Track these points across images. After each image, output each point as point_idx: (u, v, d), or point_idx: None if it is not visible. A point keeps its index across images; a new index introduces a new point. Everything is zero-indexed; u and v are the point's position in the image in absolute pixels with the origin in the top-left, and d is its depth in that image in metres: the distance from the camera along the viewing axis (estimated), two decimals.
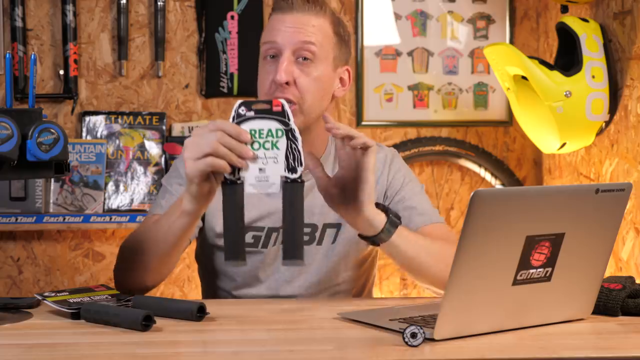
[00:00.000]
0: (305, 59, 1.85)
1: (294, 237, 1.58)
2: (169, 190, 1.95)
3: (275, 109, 1.57)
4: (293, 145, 1.57)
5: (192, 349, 1.44)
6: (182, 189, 1.90)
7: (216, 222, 1.94)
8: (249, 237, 1.93)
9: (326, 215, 1.93)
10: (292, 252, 1.59)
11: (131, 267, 1.82)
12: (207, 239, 1.97)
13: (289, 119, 1.57)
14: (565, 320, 1.62)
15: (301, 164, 1.57)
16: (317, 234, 1.95)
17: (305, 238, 1.93)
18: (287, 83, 1.83)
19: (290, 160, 1.57)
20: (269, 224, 1.94)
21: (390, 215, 1.71)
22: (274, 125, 1.57)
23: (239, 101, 1.59)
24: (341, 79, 1.95)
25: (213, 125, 1.58)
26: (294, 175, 1.56)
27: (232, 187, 1.57)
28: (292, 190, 1.57)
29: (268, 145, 1.57)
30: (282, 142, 1.57)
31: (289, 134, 1.57)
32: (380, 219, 1.69)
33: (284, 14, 1.87)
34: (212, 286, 2.01)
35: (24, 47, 3.02)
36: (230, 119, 1.57)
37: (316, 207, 1.93)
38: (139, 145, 3.10)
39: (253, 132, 1.57)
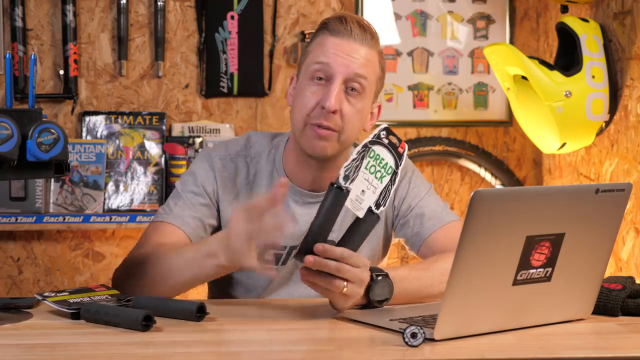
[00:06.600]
0: (353, 89, 1.82)
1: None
2: (182, 197, 1.91)
3: (399, 150, 1.66)
4: (390, 187, 1.65)
5: (192, 349, 1.44)
6: (197, 198, 1.89)
7: None
8: (269, 255, 1.91)
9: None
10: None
11: (139, 285, 1.77)
12: None
13: (400, 164, 1.66)
14: (565, 320, 1.61)
15: (385, 205, 1.64)
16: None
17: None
18: (334, 111, 1.81)
19: (381, 197, 1.64)
20: (290, 242, 1.91)
21: (370, 296, 1.67)
22: (391, 161, 1.66)
23: (386, 125, 1.67)
24: (371, 113, 1.92)
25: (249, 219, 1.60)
26: (376, 211, 1.63)
27: (338, 192, 1.61)
28: (369, 222, 1.63)
29: (378, 175, 1.64)
30: (386, 179, 1.65)
31: (394, 176, 1.65)
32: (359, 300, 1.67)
33: (341, 39, 1.82)
34: (223, 294, 1.98)
35: (24, 47, 3.02)
36: (371, 136, 1.63)
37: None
38: (139, 145, 3.10)
39: (378, 157, 1.64)
